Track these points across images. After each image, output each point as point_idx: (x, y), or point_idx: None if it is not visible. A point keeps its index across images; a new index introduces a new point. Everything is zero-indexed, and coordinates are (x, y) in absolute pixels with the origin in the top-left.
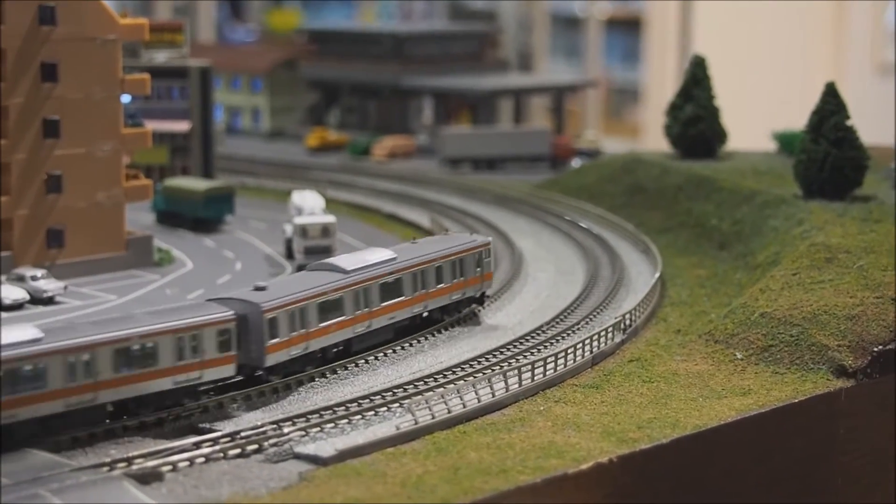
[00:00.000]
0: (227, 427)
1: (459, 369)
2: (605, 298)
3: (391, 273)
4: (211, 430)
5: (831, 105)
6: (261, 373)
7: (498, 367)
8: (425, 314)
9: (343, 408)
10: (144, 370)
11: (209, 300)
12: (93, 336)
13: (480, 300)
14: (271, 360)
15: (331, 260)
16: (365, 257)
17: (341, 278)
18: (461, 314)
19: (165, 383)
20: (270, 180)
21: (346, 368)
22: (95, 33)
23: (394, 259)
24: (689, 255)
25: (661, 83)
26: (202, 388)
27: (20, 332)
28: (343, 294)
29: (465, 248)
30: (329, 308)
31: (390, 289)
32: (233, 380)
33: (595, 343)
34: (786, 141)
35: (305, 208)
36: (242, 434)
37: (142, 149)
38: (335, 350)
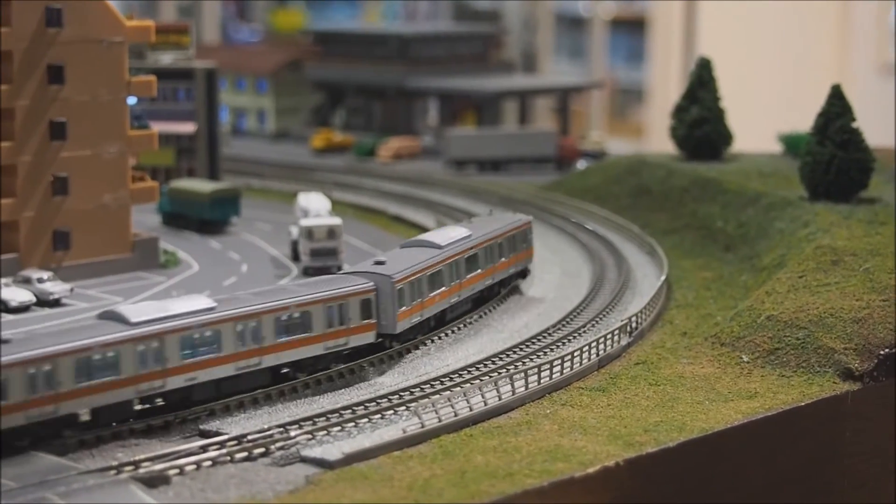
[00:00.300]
0: (233, 430)
1: (466, 372)
2: (611, 301)
3: (472, 248)
4: (218, 434)
5: (837, 107)
6: (380, 339)
7: (504, 371)
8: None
9: (350, 411)
10: (300, 336)
11: (344, 273)
12: (258, 305)
13: (524, 274)
14: (401, 326)
15: (424, 237)
16: (450, 234)
17: (438, 253)
18: (510, 286)
19: (318, 349)
20: (276, 182)
21: (352, 371)
22: (102, 35)
23: (470, 236)
24: (695, 258)
25: (665, 84)
26: (346, 353)
27: (197, 302)
28: (443, 267)
29: (516, 225)
30: (435, 280)
31: (472, 262)
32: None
33: (601, 346)
34: (791, 143)
35: (311, 210)
36: (249, 437)
37: (148, 150)
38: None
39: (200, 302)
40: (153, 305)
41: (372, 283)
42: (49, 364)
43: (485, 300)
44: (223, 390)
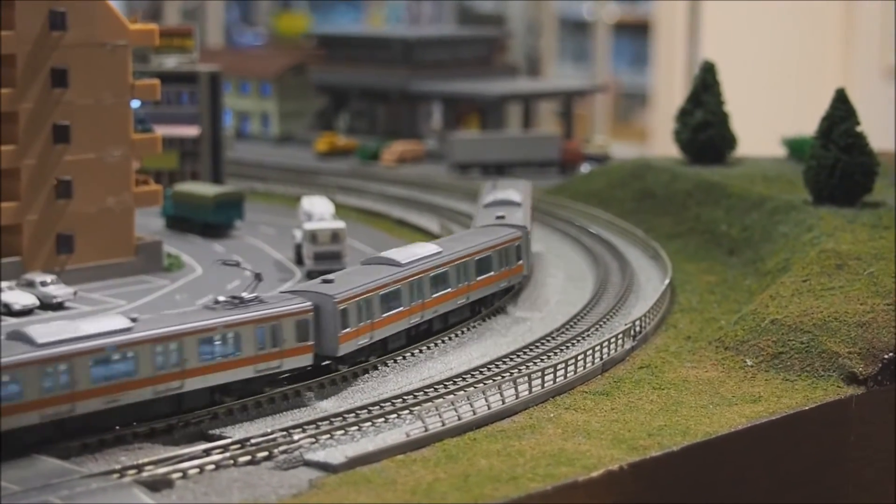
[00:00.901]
0: (237, 434)
1: (469, 376)
2: (615, 305)
3: (528, 207)
4: (221, 437)
5: (841, 111)
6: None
7: (508, 374)
8: None
9: (353, 415)
10: (487, 276)
11: (486, 226)
12: (466, 248)
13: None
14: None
15: (499, 196)
16: (512, 193)
17: (520, 207)
18: None
19: (494, 287)
20: (280, 185)
21: (357, 375)
22: (106, 38)
23: (522, 202)
24: (699, 262)
25: (669, 87)
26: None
27: (430, 247)
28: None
29: (530, 189)
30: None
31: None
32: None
33: (605, 350)
34: (795, 147)
35: (315, 214)
36: (252, 441)
37: (151, 154)
38: None
39: (433, 247)
40: (402, 252)
41: (520, 233)
42: (367, 299)
43: None
44: (449, 321)
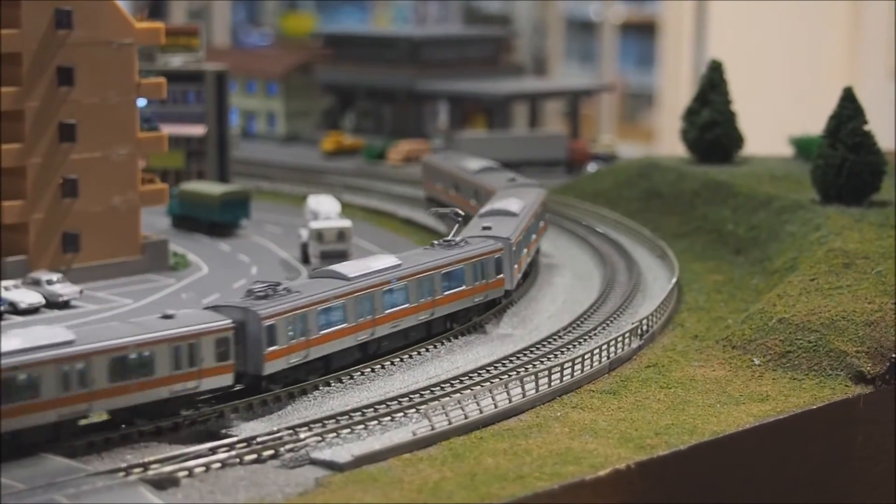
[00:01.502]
0: (243, 432)
1: (476, 374)
2: (622, 304)
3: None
4: (227, 436)
5: (849, 110)
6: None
7: (515, 373)
8: None
9: (359, 413)
10: (542, 225)
11: (511, 189)
12: (534, 203)
13: None
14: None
15: (485, 164)
16: (484, 160)
17: (506, 171)
18: None
19: (543, 237)
20: (286, 184)
21: (362, 373)
22: (111, 37)
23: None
24: (706, 261)
25: (675, 87)
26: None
27: (517, 200)
28: None
29: None
30: None
31: None
32: None
33: (612, 349)
34: (803, 146)
35: (321, 213)
36: (259, 439)
37: (157, 153)
38: None
39: (519, 200)
40: (512, 203)
41: (545, 192)
42: (519, 241)
43: None
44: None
